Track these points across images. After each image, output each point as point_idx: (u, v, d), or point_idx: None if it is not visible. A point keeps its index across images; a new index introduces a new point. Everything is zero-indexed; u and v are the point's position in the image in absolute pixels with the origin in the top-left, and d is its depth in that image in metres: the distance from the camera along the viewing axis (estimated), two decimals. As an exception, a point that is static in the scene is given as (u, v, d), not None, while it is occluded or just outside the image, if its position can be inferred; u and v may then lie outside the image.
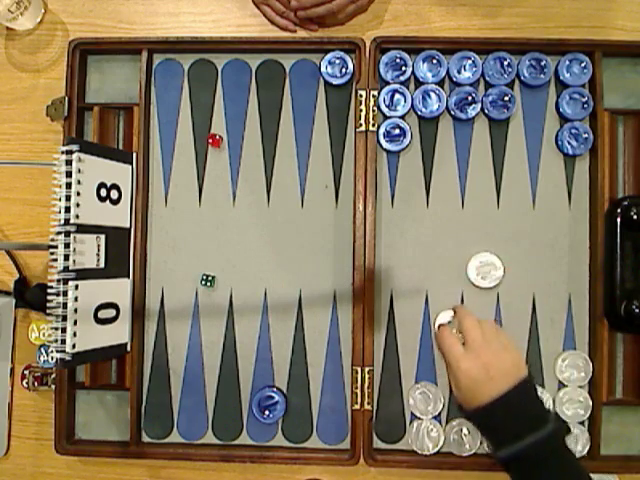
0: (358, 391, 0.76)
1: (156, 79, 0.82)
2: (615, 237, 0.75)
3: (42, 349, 0.80)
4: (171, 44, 0.80)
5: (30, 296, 0.80)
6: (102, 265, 0.73)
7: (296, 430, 0.79)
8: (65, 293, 0.68)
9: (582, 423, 0.76)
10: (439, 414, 0.77)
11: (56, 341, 0.68)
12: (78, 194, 0.69)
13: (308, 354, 0.79)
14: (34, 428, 0.82)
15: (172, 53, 0.82)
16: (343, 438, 0.78)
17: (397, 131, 0.79)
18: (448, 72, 0.79)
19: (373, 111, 0.78)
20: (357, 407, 0.76)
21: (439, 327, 0.74)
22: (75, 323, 0.68)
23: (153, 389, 0.80)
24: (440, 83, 0.79)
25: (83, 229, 0.70)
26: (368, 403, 0.76)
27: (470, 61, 0.78)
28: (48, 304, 0.68)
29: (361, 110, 0.78)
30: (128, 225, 0.78)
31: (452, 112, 0.78)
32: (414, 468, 0.77)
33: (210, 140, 0.74)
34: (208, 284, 0.77)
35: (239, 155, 0.81)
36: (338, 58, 0.79)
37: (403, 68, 0.79)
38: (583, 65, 0.77)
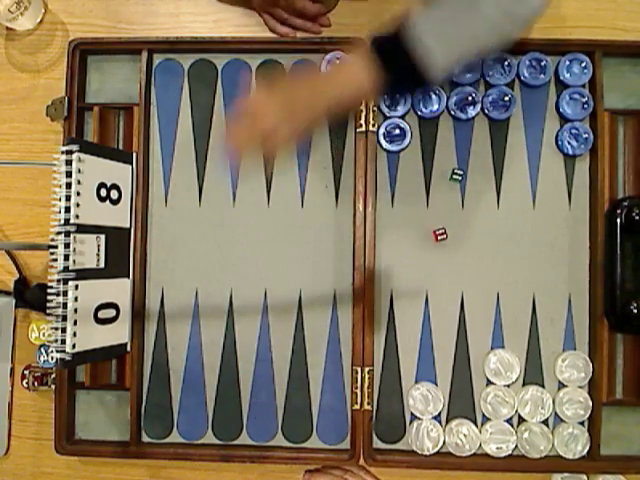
0: (358, 391, 0.76)
1: (156, 79, 0.82)
2: (615, 237, 0.75)
3: (42, 349, 0.80)
4: (171, 44, 0.80)
5: (30, 296, 0.80)
6: (102, 265, 0.73)
7: (296, 430, 0.79)
8: (65, 293, 0.68)
9: (582, 423, 0.76)
10: (439, 414, 0.77)
11: (56, 341, 0.68)
12: (78, 194, 0.69)
13: (308, 354, 0.79)
14: (34, 428, 0.82)
15: (172, 53, 0.82)
16: (343, 438, 0.78)
17: (397, 131, 0.79)
18: (448, 72, 0.79)
19: (373, 111, 0.78)
20: (357, 407, 0.76)
21: None
22: (75, 323, 0.69)
23: (153, 389, 0.80)
24: (440, 83, 0.79)
25: (83, 229, 0.70)
26: (368, 403, 0.76)
27: (470, 61, 0.78)
28: (48, 304, 0.69)
29: (361, 110, 0.78)
30: (128, 225, 0.78)
31: (452, 112, 0.78)
32: (414, 468, 0.77)
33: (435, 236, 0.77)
34: (456, 177, 0.76)
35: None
36: (338, 58, 0.79)
37: (403, 68, 0.79)
38: (583, 65, 0.77)
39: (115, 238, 0.75)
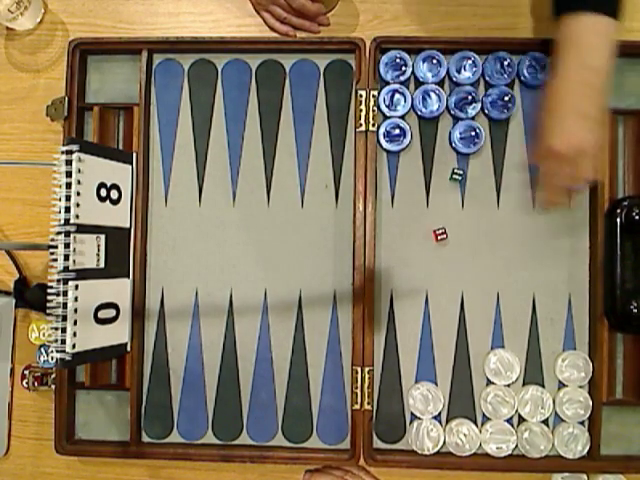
0: (358, 391, 0.76)
1: (156, 79, 0.82)
2: (615, 237, 0.75)
3: (42, 349, 0.80)
4: (171, 44, 0.81)
5: (30, 296, 0.80)
6: (102, 265, 0.73)
7: (296, 430, 0.79)
8: (65, 293, 0.68)
9: (582, 423, 0.76)
10: (439, 414, 0.77)
11: (56, 341, 0.68)
12: (78, 194, 0.69)
13: (308, 354, 0.79)
14: (34, 428, 0.82)
15: (172, 53, 0.82)
16: (343, 438, 0.78)
17: (397, 131, 0.79)
18: (448, 72, 0.79)
19: (373, 111, 0.78)
20: (357, 407, 0.76)
21: None
22: (75, 323, 0.69)
23: (153, 389, 0.80)
24: (440, 83, 0.79)
25: (83, 229, 0.70)
26: (368, 403, 0.76)
27: (470, 61, 0.78)
28: (48, 304, 0.69)
29: (361, 110, 0.78)
30: (128, 225, 0.78)
31: (452, 112, 0.78)
32: (414, 468, 0.77)
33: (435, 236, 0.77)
34: (456, 177, 0.77)
35: (239, 155, 0.81)
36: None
37: (403, 68, 0.79)
38: (583, 65, 0.77)
39: (115, 238, 0.75)
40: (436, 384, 0.78)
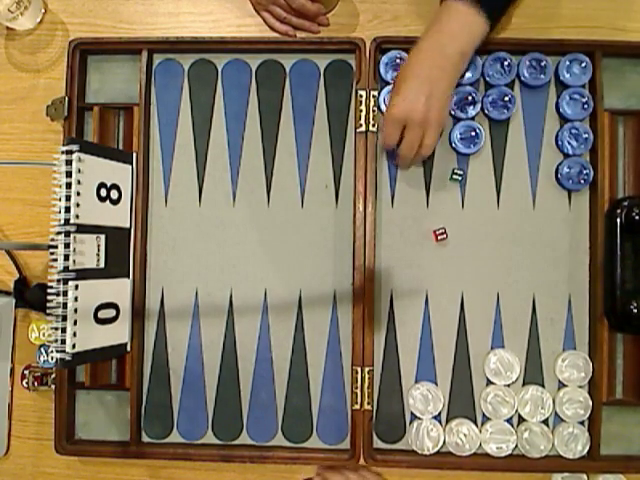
0: (358, 391, 0.76)
1: (156, 79, 0.82)
2: (615, 237, 0.75)
3: (42, 349, 0.80)
4: (171, 44, 0.81)
5: (30, 296, 0.80)
6: (102, 265, 0.73)
7: (296, 430, 0.79)
8: (65, 293, 0.68)
9: (582, 423, 0.76)
10: (439, 414, 0.77)
11: (56, 341, 0.68)
12: (78, 194, 0.69)
13: (308, 354, 0.79)
14: (34, 428, 0.82)
15: (172, 53, 0.82)
16: (343, 438, 0.78)
17: (397, 131, 0.79)
18: (448, 72, 0.78)
19: (373, 111, 0.78)
20: (357, 407, 0.76)
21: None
22: (75, 323, 0.69)
23: (153, 389, 0.80)
24: (440, 83, 0.79)
25: (83, 229, 0.70)
26: (368, 403, 0.76)
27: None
28: (48, 304, 0.69)
29: (361, 110, 0.78)
30: (128, 225, 0.78)
31: (452, 112, 0.78)
32: (414, 468, 0.77)
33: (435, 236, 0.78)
34: (456, 177, 0.77)
35: (239, 155, 0.81)
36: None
37: (403, 68, 0.79)
38: (583, 65, 0.77)
39: (115, 238, 0.75)
40: (436, 384, 0.78)
